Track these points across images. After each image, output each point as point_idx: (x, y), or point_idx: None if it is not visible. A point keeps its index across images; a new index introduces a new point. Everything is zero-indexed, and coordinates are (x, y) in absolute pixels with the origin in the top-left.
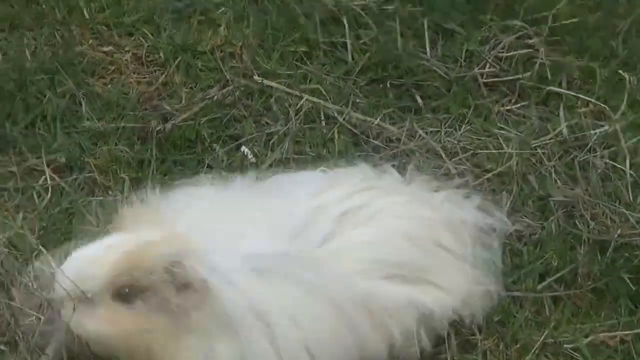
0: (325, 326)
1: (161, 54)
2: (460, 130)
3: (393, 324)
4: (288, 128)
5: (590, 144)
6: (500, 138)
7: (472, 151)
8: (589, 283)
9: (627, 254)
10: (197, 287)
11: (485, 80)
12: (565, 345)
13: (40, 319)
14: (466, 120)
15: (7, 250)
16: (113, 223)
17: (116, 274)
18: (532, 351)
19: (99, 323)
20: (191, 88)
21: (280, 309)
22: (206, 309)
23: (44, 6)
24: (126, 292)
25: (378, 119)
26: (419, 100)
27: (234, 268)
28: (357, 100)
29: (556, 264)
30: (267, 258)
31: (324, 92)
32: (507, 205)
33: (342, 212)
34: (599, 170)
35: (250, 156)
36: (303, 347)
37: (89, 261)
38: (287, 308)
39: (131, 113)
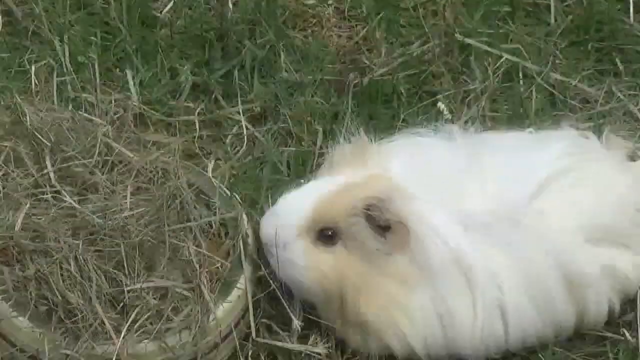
0: (523, 295)
1: (364, 9)
2: None
3: (589, 295)
4: (486, 86)
5: None
6: None
7: None
8: None
9: None
10: (396, 230)
11: None
12: None
13: (226, 266)
14: None
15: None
16: (323, 164)
17: (316, 218)
18: None
19: (298, 266)
20: (391, 44)
21: (482, 267)
22: (406, 255)
23: None
24: (329, 234)
25: (577, 80)
26: (619, 63)
27: (442, 219)
28: (557, 61)
29: None
30: (476, 215)
31: (524, 52)
32: None
33: (551, 174)
34: None
35: (445, 112)
36: (498, 309)
37: (291, 207)
38: (489, 268)
39: (329, 66)
